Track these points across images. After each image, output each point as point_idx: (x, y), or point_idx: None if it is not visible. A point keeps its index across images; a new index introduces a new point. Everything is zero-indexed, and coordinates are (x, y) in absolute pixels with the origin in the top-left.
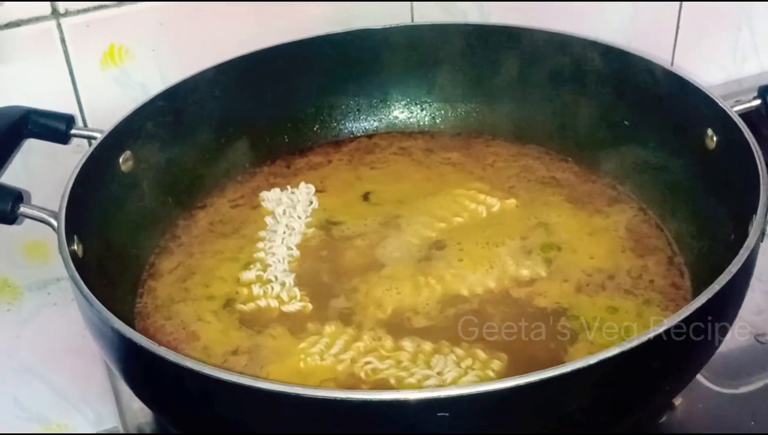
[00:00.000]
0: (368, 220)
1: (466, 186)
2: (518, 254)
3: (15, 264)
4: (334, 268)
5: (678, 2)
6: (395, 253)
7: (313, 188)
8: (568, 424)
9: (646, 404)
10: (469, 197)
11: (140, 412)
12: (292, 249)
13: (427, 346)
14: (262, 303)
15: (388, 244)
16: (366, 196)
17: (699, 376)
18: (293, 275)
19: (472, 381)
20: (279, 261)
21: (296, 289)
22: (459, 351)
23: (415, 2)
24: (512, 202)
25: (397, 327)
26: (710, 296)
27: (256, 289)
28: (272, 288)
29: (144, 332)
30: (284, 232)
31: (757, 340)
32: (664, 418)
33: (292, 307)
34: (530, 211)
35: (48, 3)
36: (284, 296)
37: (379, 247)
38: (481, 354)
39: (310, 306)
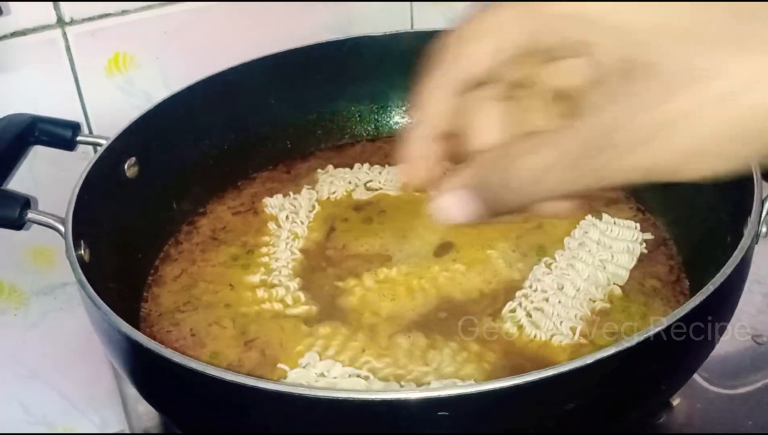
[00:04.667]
0: (370, 225)
1: None
2: (512, 256)
3: (21, 270)
4: (336, 271)
5: None
6: (396, 256)
7: (315, 193)
8: (568, 421)
9: (645, 402)
10: None
11: (146, 415)
12: (295, 253)
13: (421, 341)
14: (266, 307)
15: (389, 248)
16: (368, 201)
17: (697, 377)
18: (297, 279)
19: (470, 373)
20: (283, 265)
21: (300, 293)
22: (453, 344)
23: (415, 8)
24: None
25: (392, 327)
26: (704, 298)
27: (261, 293)
28: (277, 292)
29: (150, 338)
30: (287, 237)
31: (755, 341)
32: (662, 419)
33: (297, 310)
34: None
35: (53, 12)
36: (288, 300)
37: (381, 250)
38: (475, 346)
39: (314, 309)
